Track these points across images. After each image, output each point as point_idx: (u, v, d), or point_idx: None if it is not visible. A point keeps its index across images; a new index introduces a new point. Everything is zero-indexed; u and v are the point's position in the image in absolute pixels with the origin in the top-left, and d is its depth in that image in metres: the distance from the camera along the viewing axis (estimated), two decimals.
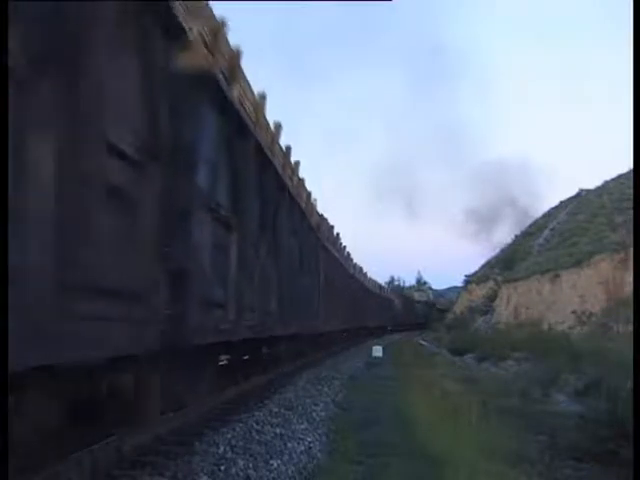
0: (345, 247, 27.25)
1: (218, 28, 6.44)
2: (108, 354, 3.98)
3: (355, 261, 31.35)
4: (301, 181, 13.97)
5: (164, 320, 4.77)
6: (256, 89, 8.44)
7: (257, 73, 7.53)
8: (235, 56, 7.19)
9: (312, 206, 16.10)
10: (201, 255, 5.90)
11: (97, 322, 3.69)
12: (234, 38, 6.78)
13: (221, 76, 6.38)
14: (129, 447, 5.17)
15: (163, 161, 4.75)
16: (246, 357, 9.36)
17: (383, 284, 59.53)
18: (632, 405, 5.32)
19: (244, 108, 7.60)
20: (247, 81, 8.01)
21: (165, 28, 4.84)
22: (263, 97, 9.03)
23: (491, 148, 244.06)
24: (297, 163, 13.06)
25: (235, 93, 7.12)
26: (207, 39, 5.96)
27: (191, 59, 5.22)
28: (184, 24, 5.13)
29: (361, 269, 34.72)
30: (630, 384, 6.10)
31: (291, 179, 12.08)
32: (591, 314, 29.88)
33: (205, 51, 5.80)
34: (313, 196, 15.90)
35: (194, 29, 5.43)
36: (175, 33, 5.02)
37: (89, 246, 3.56)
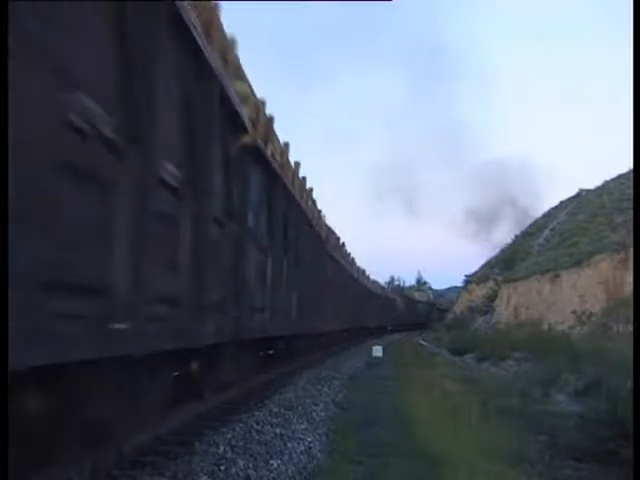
0: (350, 254, 29.31)
1: (258, 107, 8.48)
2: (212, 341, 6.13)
3: (359, 265, 33.80)
4: (314, 202, 16.40)
5: (232, 321, 6.91)
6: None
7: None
8: (269, 122, 9.31)
9: (322, 221, 18.54)
10: (249, 275, 8.01)
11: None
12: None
13: (262, 143, 8.41)
14: (129, 447, 5.18)
15: (235, 220, 7.02)
16: (275, 350, 11.69)
17: (385, 285, 64.22)
18: (632, 405, 5.32)
19: (274, 159, 9.72)
20: (275, 133, 10.07)
21: (231, 120, 6.68)
22: (287, 144, 11.64)
23: (491, 148, 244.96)
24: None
25: (269, 151, 9.19)
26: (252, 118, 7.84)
27: (246, 138, 7.27)
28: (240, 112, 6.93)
29: (364, 272, 36.62)
30: (630, 384, 6.10)
31: (306, 202, 14.54)
32: (591, 314, 29.87)
33: (253, 129, 7.65)
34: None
35: (245, 115, 7.21)
36: (237, 122, 6.93)
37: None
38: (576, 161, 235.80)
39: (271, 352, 11.25)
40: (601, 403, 7.89)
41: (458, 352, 26.36)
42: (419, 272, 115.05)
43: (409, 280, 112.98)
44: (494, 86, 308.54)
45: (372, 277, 41.93)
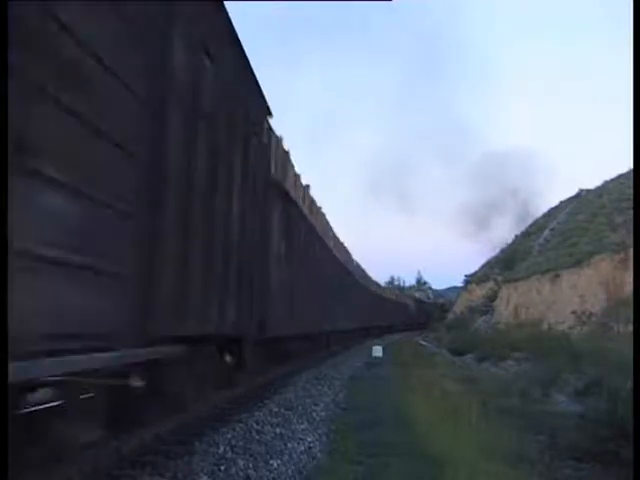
0: (364, 271, 38.52)
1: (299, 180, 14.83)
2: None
3: (376, 279, 48.80)
4: (329, 225, 22.48)
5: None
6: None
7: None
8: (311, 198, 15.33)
9: (340, 242, 25.34)
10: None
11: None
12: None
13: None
14: (129, 447, 5.18)
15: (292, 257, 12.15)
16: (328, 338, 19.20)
17: (398, 291, 78.43)
18: (632, 405, 5.32)
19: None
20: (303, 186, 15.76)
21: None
22: (308, 186, 17.08)
23: (490, 143, 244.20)
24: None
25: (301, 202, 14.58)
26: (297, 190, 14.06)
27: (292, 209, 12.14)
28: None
29: (378, 285, 49.17)
30: (630, 384, 6.10)
31: (323, 227, 19.58)
32: (591, 314, 29.85)
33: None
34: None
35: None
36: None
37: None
38: (576, 161, 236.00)
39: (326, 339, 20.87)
40: (601, 403, 7.89)
41: (458, 352, 26.36)
42: (419, 272, 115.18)
43: (409, 280, 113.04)
44: (494, 84, 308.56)
45: (387, 286, 58.81)
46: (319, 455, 6.27)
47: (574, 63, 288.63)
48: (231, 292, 6.59)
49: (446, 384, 12.19)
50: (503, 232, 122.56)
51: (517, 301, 41.12)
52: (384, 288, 57.06)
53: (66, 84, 2.96)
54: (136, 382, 4.07)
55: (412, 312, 69.31)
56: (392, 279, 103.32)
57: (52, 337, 2.92)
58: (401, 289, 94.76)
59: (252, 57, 7.22)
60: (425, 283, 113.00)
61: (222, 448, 6.04)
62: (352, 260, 28.79)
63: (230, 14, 6.12)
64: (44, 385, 3.19)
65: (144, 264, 4.05)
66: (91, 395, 3.73)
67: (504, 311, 43.00)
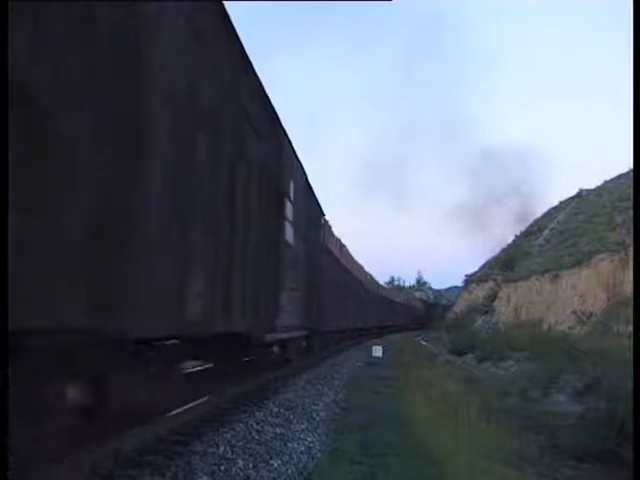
0: (378, 281, 49.32)
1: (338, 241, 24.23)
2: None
3: (389, 287, 64.26)
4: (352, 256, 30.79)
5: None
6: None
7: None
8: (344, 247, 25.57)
9: (358, 262, 33.44)
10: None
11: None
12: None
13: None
14: (130, 447, 5.18)
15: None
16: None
17: (409, 295, 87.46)
18: (632, 405, 5.32)
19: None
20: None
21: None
22: (342, 243, 25.59)
23: (491, 145, 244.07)
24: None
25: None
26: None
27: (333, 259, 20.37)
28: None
29: (390, 291, 61.52)
30: (630, 384, 6.10)
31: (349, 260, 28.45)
32: (591, 314, 29.84)
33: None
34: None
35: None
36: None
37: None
38: (576, 161, 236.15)
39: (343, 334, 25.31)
40: (601, 403, 7.89)
41: (458, 352, 26.37)
42: (419, 272, 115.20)
43: (409, 280, 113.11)
44: (493, 83, 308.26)
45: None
46: (319, 455, 6.26)
47: (575, 63, 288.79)
48: (309, 306, 13.13)
49: (446, 384, 12.19)
50: (503, 232, 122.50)
51: (517, 301, 41.09)
52: (398, 293, 73.50)
53: None
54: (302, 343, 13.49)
55: (421, 313, 77.44)
56: (392, 279, 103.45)
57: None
58: (401, 289, 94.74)
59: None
60: (425, 283, 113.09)
61: (222, 448, 6.04)
62: (366, 273, 37.86)
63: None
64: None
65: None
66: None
67: (504, 311, 42.98)
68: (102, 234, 3.56)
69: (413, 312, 72.49)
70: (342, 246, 25.32)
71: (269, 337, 8.77)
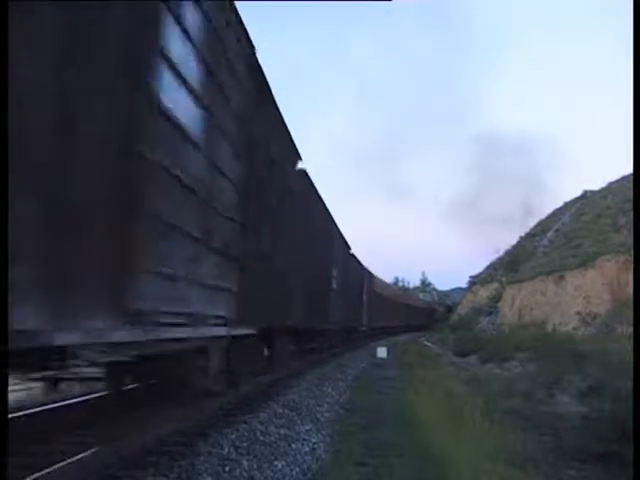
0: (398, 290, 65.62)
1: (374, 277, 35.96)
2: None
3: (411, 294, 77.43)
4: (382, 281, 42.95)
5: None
6: None
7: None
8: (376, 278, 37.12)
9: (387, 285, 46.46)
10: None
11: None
12: None
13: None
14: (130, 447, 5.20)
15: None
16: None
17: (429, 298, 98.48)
18: (632, 405, 5.32)
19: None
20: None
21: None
22: (373, 275, 35.69)
23: (496, 145, 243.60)
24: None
25: None
26: None
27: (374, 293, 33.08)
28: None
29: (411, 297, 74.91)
30: (631, 385, 6.10)
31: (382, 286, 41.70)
32: (595, 315, 29.77)
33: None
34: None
35: None
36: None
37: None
38: (581, 162, 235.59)
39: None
40: (605, 404, 7.89)
41: (462, 353, 26.35)
42: (423, 273, 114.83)
43: (413, 281, 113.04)
44: (493, 83, 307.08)
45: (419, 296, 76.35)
46: (323, 456, 6.28)
47: (576, 62, 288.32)
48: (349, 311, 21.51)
49: (450, 385, 12.19)
50: (507, 234, 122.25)
51: (521, 302, 41.02)
52: (418, 300, 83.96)
53: None
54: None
55: (439, 314, 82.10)
56: (397, 280, 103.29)
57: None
58: (405, 290, 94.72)
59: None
60: (429, 284, 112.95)
61: (226, 449, 6.05)
62: (388, 286, 51.50)
63: None
64: None
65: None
66: None
67: (508, 312, 42.91)
68: None
69: (434, 314, 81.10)
70: (386, 286, 43.08)
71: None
